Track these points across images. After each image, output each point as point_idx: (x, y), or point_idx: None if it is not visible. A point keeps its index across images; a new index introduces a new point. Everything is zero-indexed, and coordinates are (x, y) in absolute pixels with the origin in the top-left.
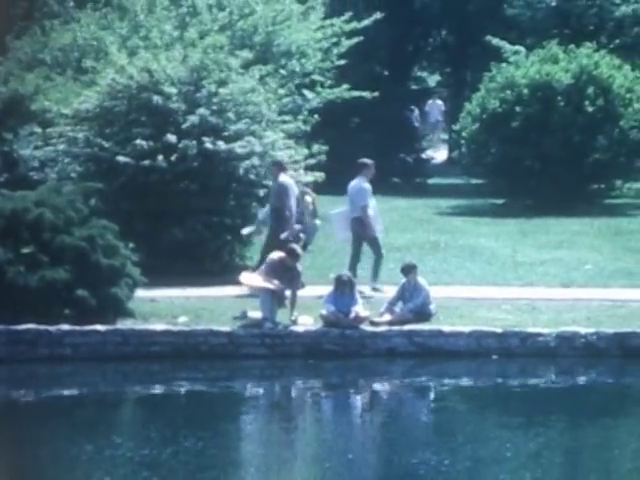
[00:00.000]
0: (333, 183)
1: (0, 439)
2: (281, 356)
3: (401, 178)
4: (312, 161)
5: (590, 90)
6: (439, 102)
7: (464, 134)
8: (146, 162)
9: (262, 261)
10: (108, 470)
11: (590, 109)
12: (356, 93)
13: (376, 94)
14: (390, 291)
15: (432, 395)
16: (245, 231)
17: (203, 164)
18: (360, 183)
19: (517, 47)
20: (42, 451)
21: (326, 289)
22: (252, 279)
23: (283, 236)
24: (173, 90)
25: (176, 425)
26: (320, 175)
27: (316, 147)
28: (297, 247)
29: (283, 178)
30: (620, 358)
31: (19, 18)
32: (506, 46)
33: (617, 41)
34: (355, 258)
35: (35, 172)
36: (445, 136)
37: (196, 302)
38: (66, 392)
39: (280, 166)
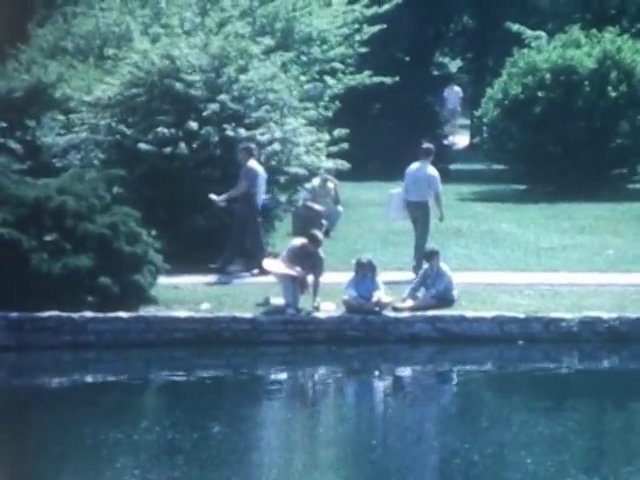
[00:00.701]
0: (354, 169)
1: (26, 425)
2: (304, 342)
3: None
4: (334, 148)
5: (613, 75)
6: (457, 89)
7: (486, 120)
8: (168, 149)
9: (232, 247)
10: (133, 455)
11: (613, 94)
12: (377, 79)
13: (397, 80)
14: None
15: (456, 381)
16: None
17: (224, 151)
18: (429, 168)
19: (538, 32)
20: (67, 436)
21: (348, 275)
22: (274, 265)
23: (216, 198)
24: (195, 78)
25: (200, 411)
26: (343, 163)
27: (337, 133)
28: (318, 233)
29: (252, 163)
30: None
31: (41, 6)
32: (527, 32)
33: (639, 25)
34: (422, 241)
35: (58, 159)
36: (466, 122)
37: (218, 289)
38: (90, 379)
39: (249, 151)
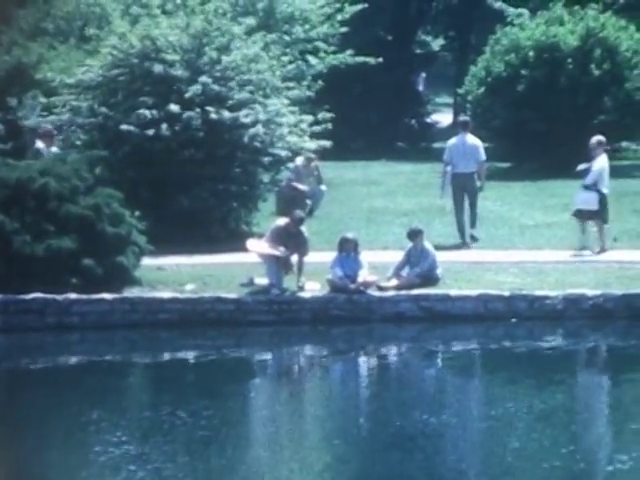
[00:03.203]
0: (338, 148)
1: (10, 407)
2: (288, 322)
3: (406, 143)
4: (317, 128)
5: (597, 52)
6: (422, 74)
7: (469, 98)
8: (150, 131)
9: None
10: (119, 435)
11: (597, 71)
12: (360, 59)
13: (380, 59)
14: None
15: (441, 359)
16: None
17: (208, 133)
18: (472, 138)
19: (520, 10)
20: (52, 418)
21: (332, 255)
22: (258, 246)
23: None
24: (175, 57)
25: (185, 392)
26: (326, 143)
27: (321, 115)
28: (301, 212)
29: (38, 144)
30: (628, 320)
31: None
32: (509, 9)
33: (621, 1)
34: (476, 208)
35: None
36: (449, 100)
37: (203, 269)
38: (74, 360)
39: (37, 133)
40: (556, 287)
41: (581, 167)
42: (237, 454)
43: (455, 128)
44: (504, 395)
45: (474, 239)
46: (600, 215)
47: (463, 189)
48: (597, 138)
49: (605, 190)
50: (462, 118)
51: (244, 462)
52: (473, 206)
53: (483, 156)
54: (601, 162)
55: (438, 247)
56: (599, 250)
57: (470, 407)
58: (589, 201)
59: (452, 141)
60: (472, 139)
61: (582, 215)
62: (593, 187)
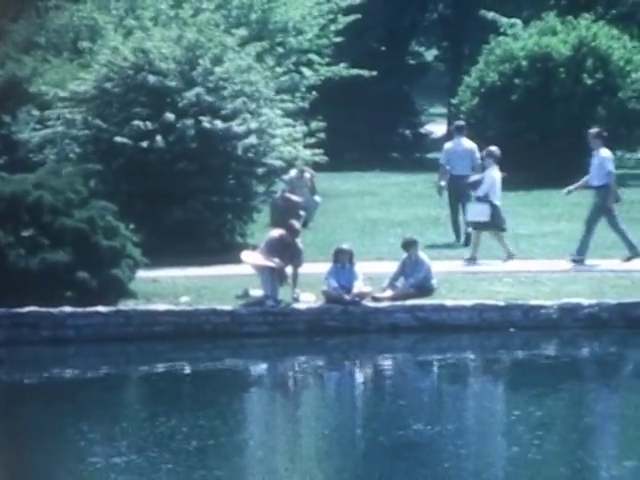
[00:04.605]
0: (332, 159)
1: (5, 421)
2: (284, 334)
3: (400, 153)
4: (311, 139)
5: (589, 62)
6: None
7: (463, 108)
8: (144, 143)
9: None
10: (116, 449)
11: (589, 81)
12: (354, 71)
13: (374, 73)
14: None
15: (437, 369)
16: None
17: (201, 144)
18: (469, 143)
19: (513, 20)
20: (48, 431)
21: (327, 266)
22: (253, 257)
23: None
24: (169, 66)
25: (182, 404)
26: (319, 153)
27: (314, 124)
28: (296, 223)
29: None
30: (623, 329)
31: (14, 1)
32: (502, 20)
33: (613, 11)
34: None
35: (34, 154)
36: (443, 110)
37: (198, 281)
38: (69, 374)
39: None
40: (551, 296)
41: (473, 179)
42: (236, 466)
43: (450, 137)
44: (501, 404)
45: (469, 239)
46: (494, 225)
47: (458, 191)
48: (489, 149)
49: (497, 202)
50: (457, 122)
51: (243, 474)
52: (465, 209)
53: (479, 159)
54: (493, 174)
55: (432, 257)
56: (507, 257)
57: (468, 417)
58: (481, 213)
59: (448, 145)
60: (467, 142)
61: (478, 227)
62: (485, 199)
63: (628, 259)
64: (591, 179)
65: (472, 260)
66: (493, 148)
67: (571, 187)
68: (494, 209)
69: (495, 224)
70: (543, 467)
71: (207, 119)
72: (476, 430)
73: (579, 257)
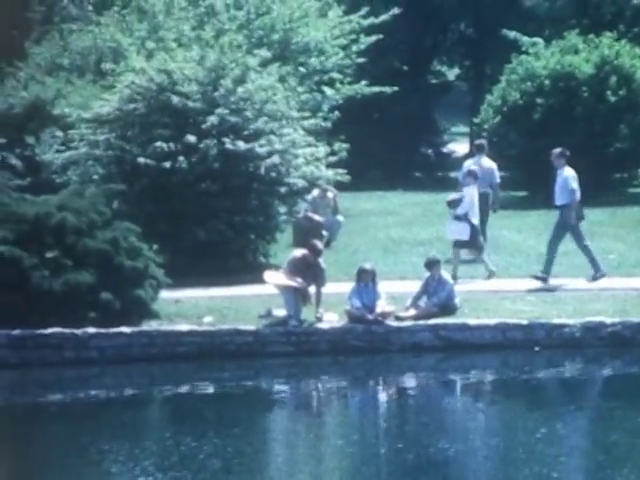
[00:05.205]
0: (354, 179)
1: (31, 443)
2: (307, 353)
3: (423, 172)
4: (333, 158)
5: (612, 80)
6: None
7: (485, 127)
8: (167, 164)
9: None
10: (141, 471)
11: (612, 99)
12: (376, 89)
13: (396, 89)
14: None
15: (460, 389)
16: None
17: (224, 164)
18: (489, 162)
19: (535, 39)
20: (72, 454)
21: (350, 285)
22: (276, 277)
23: None
24: (192, 89)
25: (206, 425)
26: (342, 172)
27: (337, 145)
28: (318, 243)
29: None
30: None
31: (38, 23)
32: (523, 39)
33: (635, 29)
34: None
35: (57, 176)
36: (465, 129)
37: (221, 302)
38: (93, 394)
39: None
40: (574, 315)
41: (451, 197)
42: None
43: (472, 156)
44: (526, 423)
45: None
46: (473, 244)
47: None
48: (469, 168)
49: (475, 220)
50: (478, 141)
51: None
52: (483, 225)
53: (498, 178)
54: (472, 193)
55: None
56: (488, 276)
57: (493, 436)
58: (461, 232)
59: (468, 163)
60: (487, 162)
61: (459, 245)
62: (464, 217)
63: (594, 278)
64: (555, 198)
65: (454, 278)
66: (473, 167)
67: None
68: (472, 228)
69: (474, 243)
70: None
71: (229, 140)
72: (503, 449)
73: (542, 275)
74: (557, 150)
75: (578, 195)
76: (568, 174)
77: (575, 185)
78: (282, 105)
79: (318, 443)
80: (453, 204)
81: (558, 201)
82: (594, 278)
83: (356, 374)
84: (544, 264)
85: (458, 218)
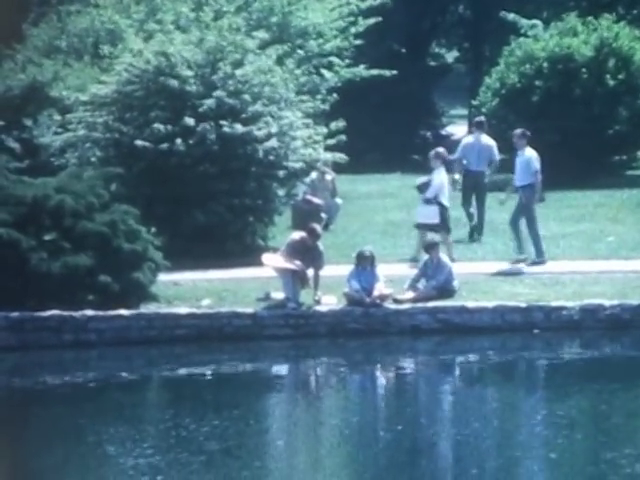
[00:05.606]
0: (353, 161)
1: (30, 425)
2: (305, 336)
3: (421, 155)
4: (332, 140)
5: (611, 62)
6: None
7: (484, 109)
8: (164, 146)
9: None
10: (139, 452)
11: (611, 82)
12: (375, 72)
13: (394, 71)
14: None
15: (459, 371)
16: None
17: (222, 147)
18: (488, 139)
19: (533, 21)
20: (72, 435)
21: (348, 268)
22: (274, 260)
23: None
24: (189, 73)
25: (204, 407)
26: (341, 156)
27: (334, 124)
28: (317, 226)
29: None
30: None
31: (35, 5)
32: (522, 21)
33: (634, 11)
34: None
35: (55, 158)
36: (464, 111)
37: (219, 284)
38: (91, 377)
39: None
40: (573, 298)
41: (420, 181)
42: (260, 467)
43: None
44: (525, 405)
45: (479, 232)
46: (442, 227)
47: (474, 187)
48: (436, 150)
49: (446, 202)
50: (478, 118)
51: (268, 476)
52: (481, 205)
53: (496, 156)
54: (440, 175)
55: (454, 259)
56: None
57: (492, 418)
58: (430, 215)
59: (467, 139)
60: (486, 139)
61: (423, 228)
62: (434, 200)
63: (533, 263)
64: (515, 179)
65: (414, 261)
66: (440, 149)
67: (502, 196)
68: (443, 210)
69: (444, 225)
70: (575, 467)
71: (227, 123)
72: (502, 431)
73: (539, 260)
74: (518, 131)
75: (539, 177)
76: (530, 155)
77: (538, 166)
78: (280, 88)
79: (317, 425)
80: (422, 188)
81: (518, 182)
82: (533, 263)
83: (354, 357)
84: (535, 250)
85: (428, 201)
